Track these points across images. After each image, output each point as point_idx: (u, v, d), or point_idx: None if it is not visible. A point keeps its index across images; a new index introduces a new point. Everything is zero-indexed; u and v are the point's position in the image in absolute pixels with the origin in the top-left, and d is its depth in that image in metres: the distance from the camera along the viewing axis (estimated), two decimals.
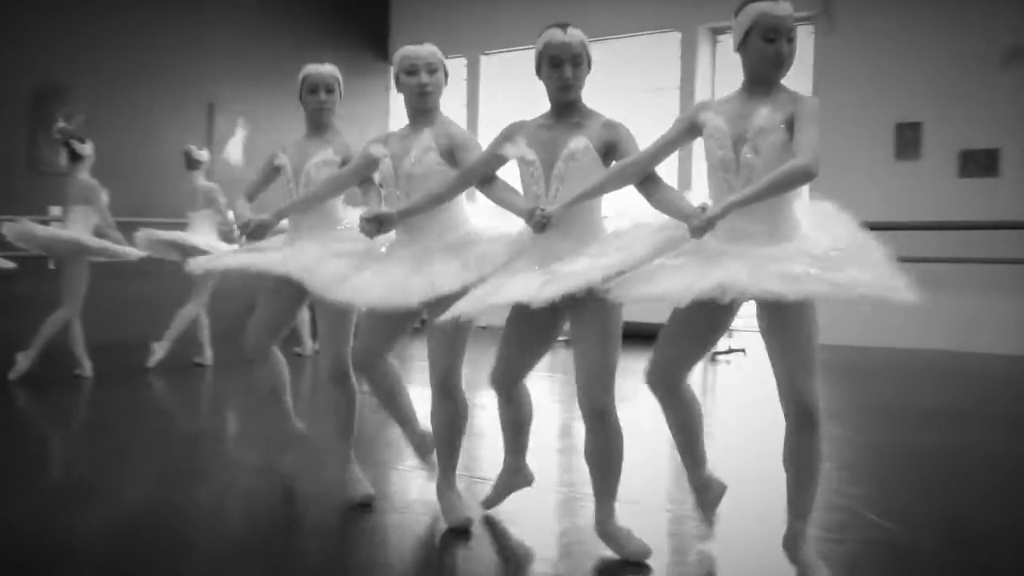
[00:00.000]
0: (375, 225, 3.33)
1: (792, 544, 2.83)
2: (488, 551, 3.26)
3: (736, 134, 2.83)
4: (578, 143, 3.06)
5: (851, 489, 3.94)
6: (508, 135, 3.22)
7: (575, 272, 2.89)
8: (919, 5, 9.31)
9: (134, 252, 7.00)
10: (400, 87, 3.49)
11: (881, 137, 9.57)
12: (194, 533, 3.43)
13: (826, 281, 2.58)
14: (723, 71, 10.63)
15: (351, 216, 3.81)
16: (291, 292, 3.77)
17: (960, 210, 8.50)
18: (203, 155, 7.68)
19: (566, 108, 3.15)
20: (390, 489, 4.02)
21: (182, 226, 7.61)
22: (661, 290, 2.74)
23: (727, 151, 2.84)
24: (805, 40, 10.08)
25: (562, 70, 3.06)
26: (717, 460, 3.49)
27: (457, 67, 12.50)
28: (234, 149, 8.68)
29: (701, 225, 2.70)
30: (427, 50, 3.45)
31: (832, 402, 6.24)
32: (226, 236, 7.53)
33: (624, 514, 3.20)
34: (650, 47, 11.04)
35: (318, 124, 3.93)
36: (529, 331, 3.24)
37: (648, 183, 3.01)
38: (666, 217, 2.97)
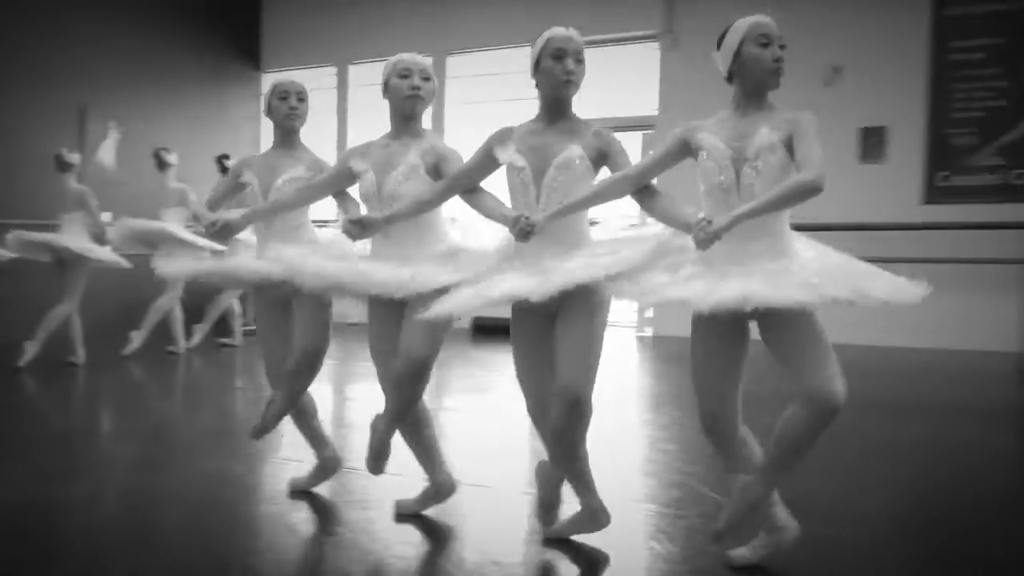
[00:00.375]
0: (359, 227, 3.21)
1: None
2: (361, 541, 3.28)
3: (735, 155, 2.78)
4: (573, 152, 3.00)
5: (688, 467, 4.23)
6: (498, 140, 3.11)
7: (576, 267, 2.84)
8: None
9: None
10: (388, 92, 3.36)
11: None
12: (68, 531, 3.33)
13: (847, 287, 2.55)
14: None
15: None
16: (279, 297, 3.64)
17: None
18: (74, 158, 7.55)
19: (558, 112, 3.06)
20: (263, 481, 4.09)
21: (53, 228, 7.46)
22: (685, 295, 2.65)
23: (728, 172, 2.78)
24: (652, 57, 10.56)
25: (565, 63, 2.97)
26: None
27: (327, 76, 12.53)
28: (106, 152, 8.52)
29: (708, 236, 2.62)
30: (422, 58, 3.36)
31: (680, 390, 6.62)
32: (97, 238, 7.50)
33: (479, 498, 3.36)
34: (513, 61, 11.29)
35: (287, 133, 3.73)
36: (534, 333, 3.13)
37: (645, 193, 2.95)
38: (658, 227, 2.97)
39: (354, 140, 11.97)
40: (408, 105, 3.33)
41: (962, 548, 3.24)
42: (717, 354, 2.85)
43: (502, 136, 3.11)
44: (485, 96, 11.31)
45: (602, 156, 3.02)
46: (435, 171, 3.29)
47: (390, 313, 3.33)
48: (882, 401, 6.24)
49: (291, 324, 3.66)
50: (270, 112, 3.71)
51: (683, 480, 4.01)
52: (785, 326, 2.66)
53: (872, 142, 9.58)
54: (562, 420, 2.93)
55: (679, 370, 7.23)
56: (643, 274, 2.81)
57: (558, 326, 2.99)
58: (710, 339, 2.84)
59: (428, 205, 3.25)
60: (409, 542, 3.24)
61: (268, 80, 11.59)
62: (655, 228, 2.99)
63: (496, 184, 3.17)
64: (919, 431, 5.30)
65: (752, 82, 2.81)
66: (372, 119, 11.31)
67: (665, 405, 6.24)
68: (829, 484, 4.01)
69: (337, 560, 3.06)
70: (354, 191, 3.49)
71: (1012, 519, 3.60)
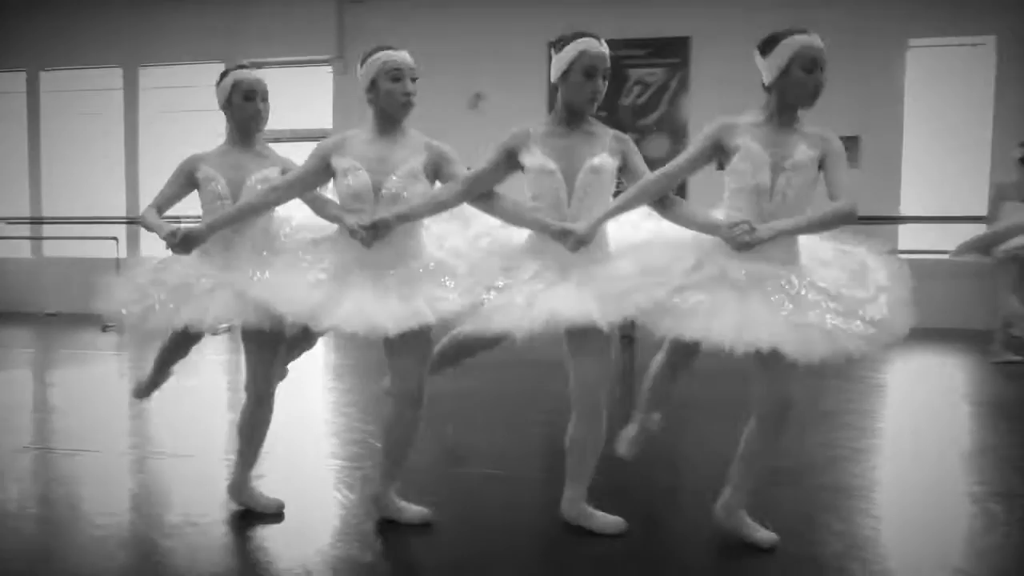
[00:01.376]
0: (373, 232, 2.91)
1: (726, 512, 2.97)
2: (63, 517, 3.34)
3: (773, 162, 2.78)
4: (604, 159, 2.91)
5: (365, 426, 4.60)
6: (520, 143, 2.96)
7: (625, 293, 2.80)
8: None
9: None
10: (378, 94, 3.05)
11: None
12: None
13: (856, 336, 2.67)
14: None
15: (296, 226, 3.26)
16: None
17: None
18: None
19: (578, 116, 2.96)
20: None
21: None
22: (714, 334, 2.67)
23: (764, 177, 2.78)
24: (325, 80, 10.82)
25: (595, 81, 2.87)
26: None
27: (17, 81, 11.58)
28: None
29: (750, 241, 2.68)
30: (410, 57, 3.06)
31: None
32: None
33: (182, 467, 3.50)
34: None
35: (249, 134, 3.27)
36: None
37: (668, 203, 2.90)
38: (669, 231, 2.93)
39: (48, 149, 11.26)
40: (402, 112, 3.05)
41: None
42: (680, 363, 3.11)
43: (522, 138, 2.97)
44: (179, 106, 10.97)
45: (624, 159, 2.97)
46: (435, 172, 3.07)
47: None
48: None
49: None
50: (230, 108, 3.24)
51: (362, 438, 4.40)
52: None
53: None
54: (582, 429, 2.99)
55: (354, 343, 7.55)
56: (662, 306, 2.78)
57: (572, 340, 2.95)
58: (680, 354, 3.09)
59: (445, 206, 3.02)
60: (112, 512, 3.33)
61: None
62: (664, 226, 2.95)
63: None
64: None
65: (790, 100, 2.80)
66: (66, 125, 10.91)
67: (346, 375, 6.67)
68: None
69: (42, 537, 3.12)
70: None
71: None
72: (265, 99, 3.23)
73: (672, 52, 9.96)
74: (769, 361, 2.70)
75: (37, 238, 11.56)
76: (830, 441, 4.37)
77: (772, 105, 2.84)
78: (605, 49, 2.89)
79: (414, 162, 3.02)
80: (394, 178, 2.99)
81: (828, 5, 8.85)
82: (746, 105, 2.96)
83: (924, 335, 7.87)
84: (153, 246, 3.25)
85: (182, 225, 3.14)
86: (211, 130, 10.72)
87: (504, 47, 10.20)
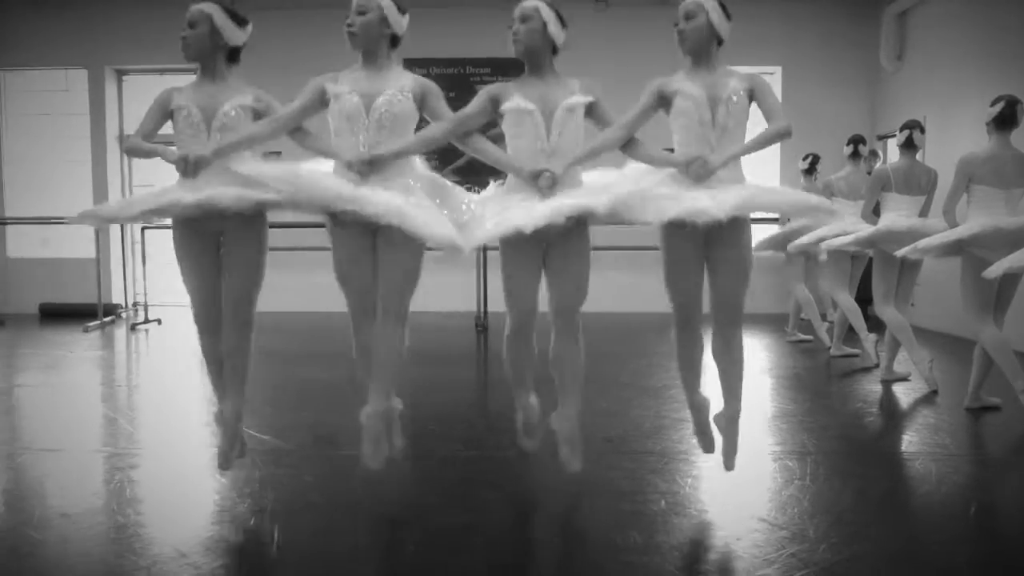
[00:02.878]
0: (370, 167, 2.89)
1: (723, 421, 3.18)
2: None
3: (710, 96, 2.95)
4: (576, 99, 3.01)
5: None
6: (502, 90, 3.05)
7: (609, 186, 2.93)
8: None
9: None
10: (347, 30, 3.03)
11: None
12: None
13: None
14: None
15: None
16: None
17: None
18: None
19: (535, 65, 3.07)
20: None
21: None
22: (685, 209, 2.76)
23: (705, 111, 2.94)
24: None
25: (515, 26, 3.03)
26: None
27: None
28: None
29: (704, 172, 2.87)
30: None
31: None
32: None
33: (52, 460, 3.24)
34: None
35: (216, 64, 3.12)
36: (528, 264, 3.05)
37: (632, 144, 3.03)
38: (628, 169, 3.07)
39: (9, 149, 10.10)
40: (370, 41, 3.03)
41: None
42: (690, 257, 3.04)
43: (503, 88, 3.07)
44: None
45: (591, 104, 3.05)
46: (421, 100, 3.05)
47: (359, 240, 3.00)
48: None
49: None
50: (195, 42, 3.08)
51: None
52: (730, 239, 2.97)
53: None
54: (565, 344, 3.07)
55: None
56: (646, 196, 2.88)
57: (556, 255, 3.03)
58: (682, 249, 3.02)
59: (436, 142, 3.06)
60: None
61: None
62: (629, 169, 3.09)
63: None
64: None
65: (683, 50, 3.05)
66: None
67: None
68: None
69: None
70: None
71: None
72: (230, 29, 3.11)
73: (515, 70, 10.03)
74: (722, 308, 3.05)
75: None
76: (656, 412, 4.52)
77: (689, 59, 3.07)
78: (528, 3, 3.03)
79: (402, 84, 3.02)
80: (384, 99, 2.97)
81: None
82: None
83: None
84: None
85: (190, 152, 2.95)
86: (73, 134, 10.08)
87: None
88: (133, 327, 8.52)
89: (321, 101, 3.04)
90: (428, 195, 2.96)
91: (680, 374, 3.30)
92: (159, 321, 8.83)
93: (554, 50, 3.09)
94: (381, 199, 2.80)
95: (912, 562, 2.61)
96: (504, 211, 2.92)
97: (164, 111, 3.12)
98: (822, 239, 5.93)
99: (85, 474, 3.45)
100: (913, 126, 5.34)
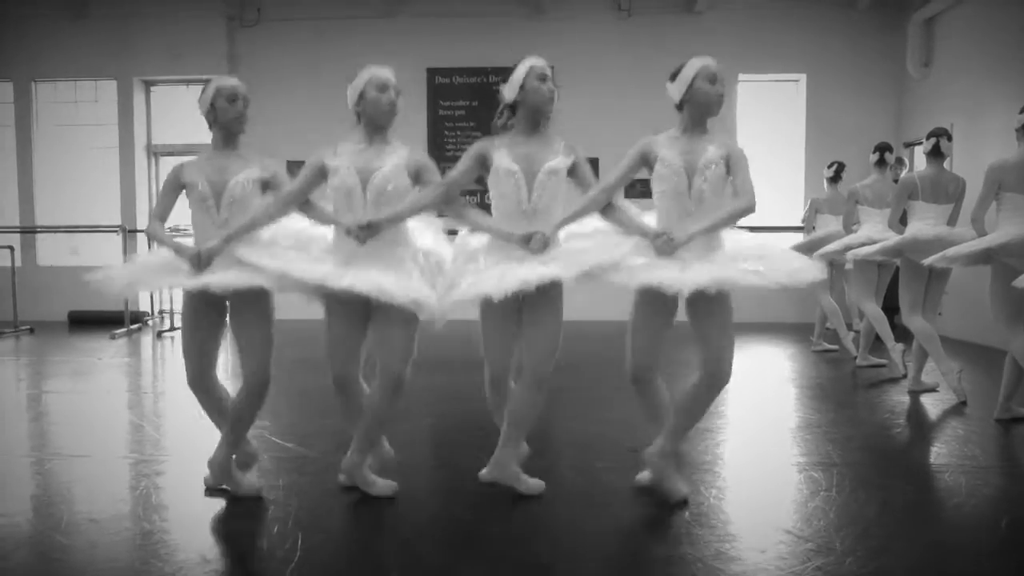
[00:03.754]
0: (367, 231, 2.99)
1: (658, 462, 3.14)
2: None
3: (688, 166, 2.99)
4: (560, 162, 3.08)
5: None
6: (489, 147, 3.12)
7: (582, 252, 3.00)
8: None
9: None
10: (365, 103, 3.10)
11: None
12: None
13: (764, 276, 2.84)
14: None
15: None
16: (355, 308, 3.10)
17: None
18: None
19: (539, 121, 3.12)
20: None
21: None
22: (661, 279, 2.81)
23: (681, 179, 2.99)
24: None
25: (548, 83, 3.09)
26: None
27: None
28: None
29: (669, 249, 2.91)
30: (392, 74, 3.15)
31: None
32: None
33: (82, 466, 3.29)
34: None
35: (231, 136, 3.25)
36: (503, 316, 3.12)
37: (610, 209, 3.10)
38: (607, 232, 3.10)
39: None
40: (387, 118, 3.14)
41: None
42: (654, 322, 3.08)
43: (489, 145, 3.14)
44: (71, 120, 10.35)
45: (574, 165, 3.13)
46: (416, 174, 3.15)
47: (352, 317, 3.11)
48: None
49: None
50: (214, 112, 3.22)
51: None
52: (708, 306, 2.95)
53: None
54: (524, 398, 3.12)
55: None
56: (617, 265, 2.95)
57: (529, 315, 3.09)
58: (649, 310, 3.06)
59: (426, 208, 3.13)
60: (9, 513, 3.10)
61: None
62: (608, 229, 3.13)
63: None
64: None
65: (699, 112, 3.05)
66: None
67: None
68: None
69: None
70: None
71: None
72: (247, 103, 3.24)
73: None
74: (709, 334, 3.00)
75: None
76: None
77: (685, 119, 3.08)
78: (543, 62, 3.13)
79: (399, 161, 3.10)
80: (380, 175, 3.06)
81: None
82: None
83: (757, 328, 8.16)
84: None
85: (202, 248, 3.10)
86: (102, 143, 10.25)
87: None
88: (159, 334, 8.63)
89: (322, 175, 3.15)
90: (416, 263, 3.08)
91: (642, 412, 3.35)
92: None
93: None
94: (369, 279, 2.91)
95: None
96: (480, 273, 3.02)
97: (175, 189, 3.26)
98: (848, 247, 5.88)
99: (112, 480, 3.48)
100: (940, 133, 5.28)
